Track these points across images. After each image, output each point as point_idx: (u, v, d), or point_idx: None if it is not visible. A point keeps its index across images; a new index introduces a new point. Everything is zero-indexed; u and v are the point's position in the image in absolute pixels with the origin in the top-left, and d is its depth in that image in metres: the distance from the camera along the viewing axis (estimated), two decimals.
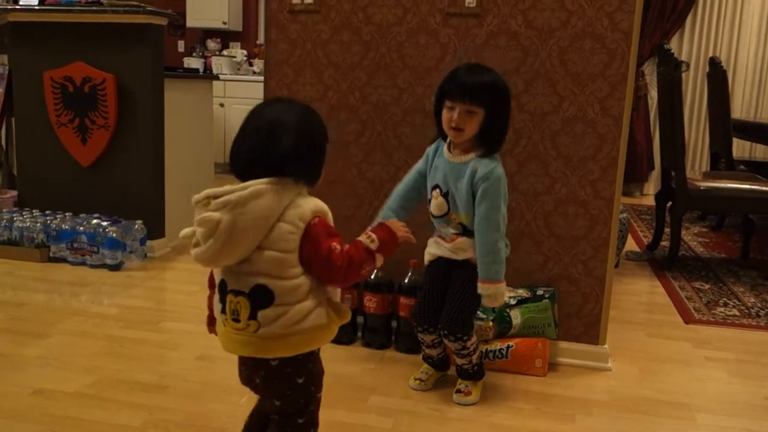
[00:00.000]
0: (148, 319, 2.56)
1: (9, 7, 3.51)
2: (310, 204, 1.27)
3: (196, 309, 2.68)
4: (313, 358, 1.33)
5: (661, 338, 2.59)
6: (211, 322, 1.38)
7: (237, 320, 1.25)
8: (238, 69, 6.67)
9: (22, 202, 3.61)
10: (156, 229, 3.46)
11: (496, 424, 1.86)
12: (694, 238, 4.35)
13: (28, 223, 3.30)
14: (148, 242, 3.41)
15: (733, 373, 2.29)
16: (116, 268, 3.20)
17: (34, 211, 3.46)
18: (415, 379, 2.06)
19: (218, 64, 6.50)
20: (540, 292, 2.21)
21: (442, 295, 1.95)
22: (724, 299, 3.10)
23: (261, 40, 6.68)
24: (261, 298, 1.23)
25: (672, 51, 3.71)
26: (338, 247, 1.26)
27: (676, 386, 2.16)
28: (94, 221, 3.26)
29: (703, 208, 4.48)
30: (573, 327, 2.27)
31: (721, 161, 4.57)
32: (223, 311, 1.28)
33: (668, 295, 3.12)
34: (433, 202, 1.95)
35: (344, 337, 2.35)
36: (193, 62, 6.65)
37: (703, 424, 1.93)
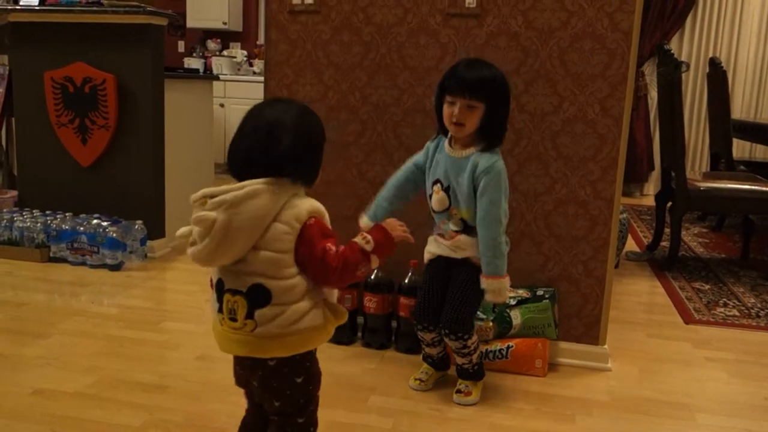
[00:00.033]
0: (149, 319, 2.56)
1: (9, 7, 3.51)
2: (307, 204, 1.27)
3: (197, 309, 2.69)
4: (310, 357, 1.34)
5: (661, 338, 2.59)
6: None
7: (234, 319, 1.25)
8: (239, 69, 6.67)
9: (23, 202, 3.61)
10: (156, 229, 3.46)
11: (496, 424, 1.86)
12: (694, 239, 4.35)
13: (28, 223, 3.30)
14: (149, 242, 3.41)
15: (733, 374, 2.29)
16: (116, 268, 3.20)
17: (34, 211, 3.46)
18: (415, 380, 2.06)
19: (218, 65, 6.50)
20: (540, 292, 2.21)
21: (442, 294, 1.95)
22: (724, 300, 3.10)
23: (261, 40, 6.69)
24: (258, 297, 1.23)
25: (672, 51, 3.71)
26: (333, 248, 1.26)
27: (676, 386, 2.16)
28: (95, 221, 3.26)
29: (703, 209, 4.48)
30: (573, 327, 2.27)
31: (721, 162, 4.57)
32: (220, 310, 1.28)
33: (668, 296, 3.12)
34: (434, 197, 1.95)
35: (344, 338, 2.35)
36: (194, 62, 6.66)
37: (703, 424, 1.93)
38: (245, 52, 6.84)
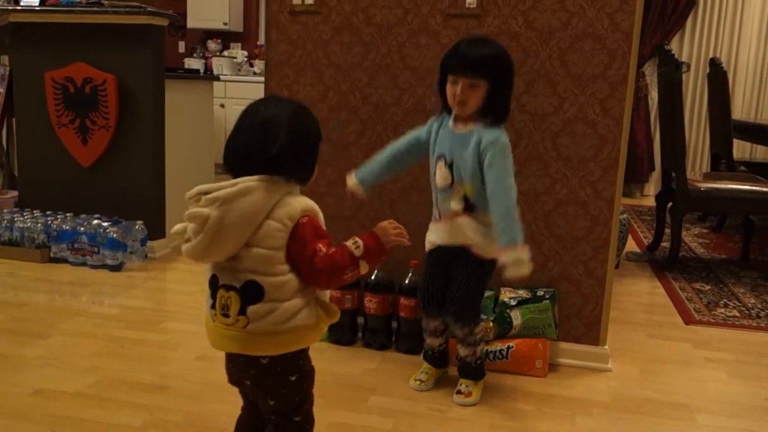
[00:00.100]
0: (149, 320, 2.57)
1: (10, 7, 3.52)
2: (301, 203, 1.27)
3: (197, 309, 2.68)
4: (303, 355, 1.34)
5: (661, 339, 2.59)
6: None
7: (227, 315, 1.26)
8: (239, 70, 6.68)
9: (23, 203, 3.61)
10: (156, 229, 3.46)
11: (497, 424, 1.86)
12: (694, 239, 4.35)
13: (28, 224, 3.30)
14: (149, 243, 3.41)
15: (733, 374, 2.29)
16: (117, 268, 3.20)
17: (34, 211, 3.46)
18: (416, 380, 2.06)
19: (219, 65, 6.50)
20: (540, 292, 2.21)
21: (445, 278, 1.95)
22: (725, 300, 3.10)
23: (262, 40, 6.69)
24: (252, 293, 1.24)
25: (672, 52, 3.71)
26: (324, 249, 1.26)
27: (676, 387, 2.16)
28: (95, 222, 3.27)
29: (704, 209, 4.48)
30: (573, 328, 2.27)
31: (722, 162, 4.57)
32: (213, 306, 1.28)
33: (668, 296, 3.12)
34: (438, 173, 1.93)
35: (345, 338, 2.35)
36: (194, 63, 6.66)
37: (704, 424, 1.93)
38: (246, 53, 6.84)
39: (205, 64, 6.73)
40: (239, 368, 1.32)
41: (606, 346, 2.27)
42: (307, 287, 1.28)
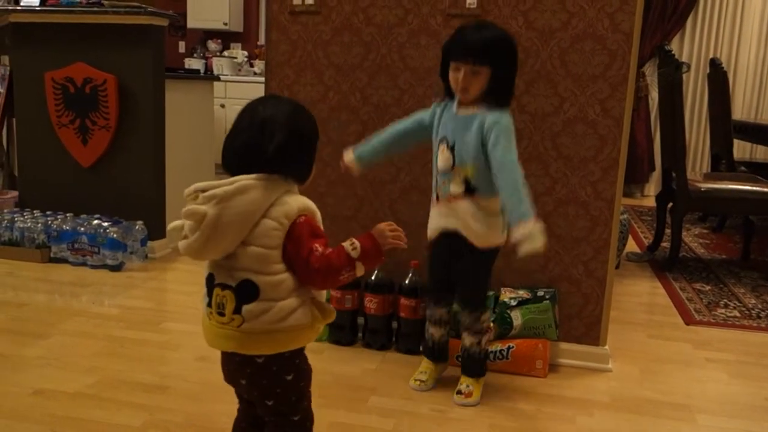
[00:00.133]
0: (149, 320, 2.56)
1: (10, 7, 3.52)
2: (298, 202, 1.27)
3: (197, 310, 2.67)
4: (299, 355, 1.33)
5: (661, 339, 2.59)
6: None
7: (222, 314, 1.26)
8: (239, 70, 6.68)
9: (23, 203, 3.61)
10: (157, 229, 3.46)
11: (497, 425, 1.86)
12: (694, 240, 4.35)
13: (29, 224, 3.30)
14: (149, 243, 3.41)
15: (733, 375, 2.29)
16: (117, 268, 3.20)
17: (35, 211, 3.46)
18: (416, 380, 2.06)
19: (219, 65, 6.50)
20: (540, 293, 2.21)
21: (449, 265, 1.96)
22: (725, 300, 3.10)
23: (262, 41, 6.69)
24: (247, 292, 1.24)
25: (673, 52, 3.71)
26: (320, 249, 1.25)
27: (676, 387, 2.16)
28: (95, 222, 3.27)
29: (704, 210, 4.48)
30: (573, 328, 2.27)
31: (722, 162, 4.57)
32: (209, 305, 1.28)
33: (669, 297, 3.12)
34: (440, 156, 1.93)
35: (345, 338, 2.35)
36: (194, 63, 6.66)
37: (704, 425, 1.93)
38: (246, 53, 6.84)
39: (206, 64, 6.73)
40: (235, 367, 1.32)
41: (606, 347, 2.27)
42: (303, 287, 1.28)
